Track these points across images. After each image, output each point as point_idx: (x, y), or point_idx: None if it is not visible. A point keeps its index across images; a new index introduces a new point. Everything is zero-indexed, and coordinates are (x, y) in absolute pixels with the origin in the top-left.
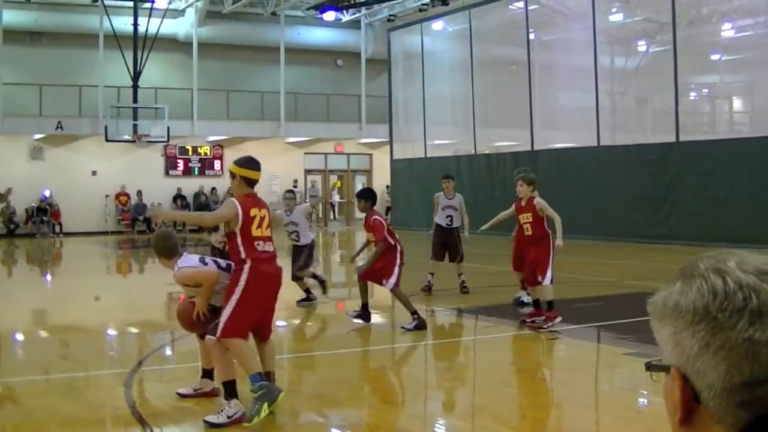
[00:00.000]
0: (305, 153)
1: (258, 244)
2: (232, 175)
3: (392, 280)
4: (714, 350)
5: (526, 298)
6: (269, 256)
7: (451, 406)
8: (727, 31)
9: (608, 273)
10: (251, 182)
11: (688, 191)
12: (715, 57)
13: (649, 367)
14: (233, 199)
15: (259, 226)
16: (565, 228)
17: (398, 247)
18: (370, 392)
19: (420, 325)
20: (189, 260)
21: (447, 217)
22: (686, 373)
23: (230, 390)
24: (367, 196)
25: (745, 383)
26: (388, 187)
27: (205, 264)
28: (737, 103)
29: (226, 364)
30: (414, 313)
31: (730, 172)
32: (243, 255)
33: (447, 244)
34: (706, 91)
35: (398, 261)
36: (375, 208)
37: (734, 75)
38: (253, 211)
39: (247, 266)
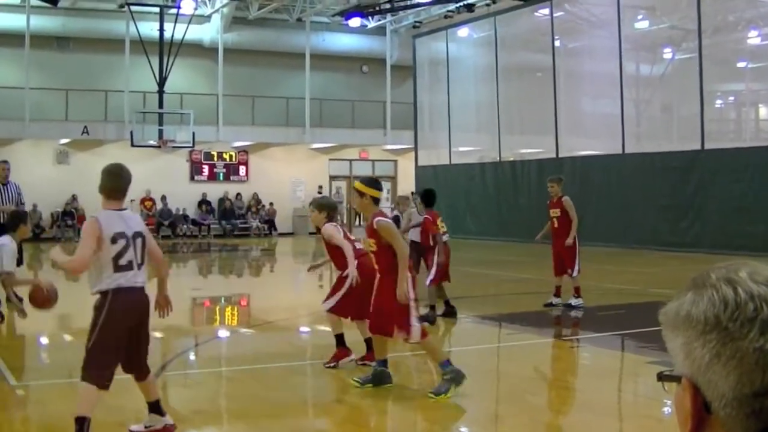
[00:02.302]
0: (330, 159)
1: None
2: (361, 194)
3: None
4: (725, 360)
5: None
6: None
7: (472, 413)
8: (754, 38)
9: (632, 281)
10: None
11: (713, 199)
12: (741, 64)
13: (661, 377)
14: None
15: None
16: (590, 235)
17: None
18: (391, 397)
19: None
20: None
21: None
22: (697, 383)
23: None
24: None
25: (756, 393)
26: (413, 193)
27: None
28: (763, 111)
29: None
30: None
31: (756, 180)
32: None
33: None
34: (732, 98)
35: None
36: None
37: (760, 82)
38: None
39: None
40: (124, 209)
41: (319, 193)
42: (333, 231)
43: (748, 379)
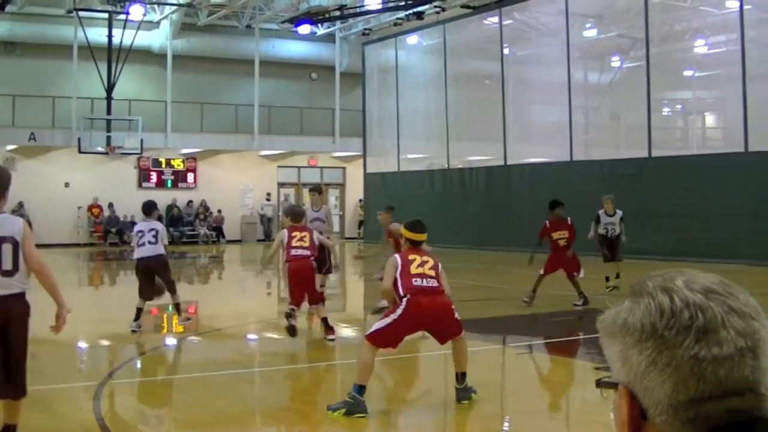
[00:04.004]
0: (279, 166)
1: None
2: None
3: None
4: (661, 367)
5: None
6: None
7: (422, 419)
8: (700, 47)
9: (582, 288)
10: (413, 242)
11: (660, 206)
12: (688, 73)
13: (599, 384)
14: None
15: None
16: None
17: None
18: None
19: None
20: None
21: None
22: (634, 390)
23: None
24: None
25: (691, 400)
26: (360, 200)
27: None
28: (710, 119)
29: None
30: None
31: (703, 188)
32: (401, 292)
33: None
34: (679, 106)
35: None
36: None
37: (707, 91)
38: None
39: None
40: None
41: (267, 200)
42: (277, 238)
43: (683, 387)
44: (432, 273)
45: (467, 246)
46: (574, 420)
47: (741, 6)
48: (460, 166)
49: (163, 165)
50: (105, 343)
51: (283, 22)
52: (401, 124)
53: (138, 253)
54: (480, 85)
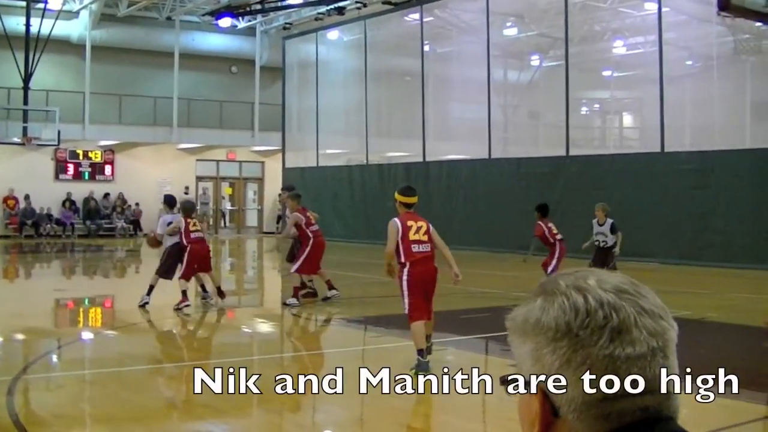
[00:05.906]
0: (197, 159)
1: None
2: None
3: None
4: (575, 366)
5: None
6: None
7: (337, 416)
8: (619, 48)
9: (497, 284)
10: (407, 205)
11: (577, 205)
12: (606, 73)
13: (504, 381)
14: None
15: (416, 232)
16: (456, 239)
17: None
18: (255, 401)
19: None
20: None
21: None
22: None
23: None
24: None
25: (605, 397)
26: (280, 194)
27: None
28: (627, 119)
29: None
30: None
31: (620, 187)
32: (402, 259)
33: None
34: (597, 106)
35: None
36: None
37: (625, 91)
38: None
39: (406, 269)
40: None
41: (186, 194)
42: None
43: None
44: (425, 238)
45: (384, 242)
46: (489, 416)
47: (659, 8)
48: (378, 161)
49: (81, 157)
50: (19, 337)
51: (203, 15)
52: (321, 119)
53: (173, 240)
54: (400, 82)
